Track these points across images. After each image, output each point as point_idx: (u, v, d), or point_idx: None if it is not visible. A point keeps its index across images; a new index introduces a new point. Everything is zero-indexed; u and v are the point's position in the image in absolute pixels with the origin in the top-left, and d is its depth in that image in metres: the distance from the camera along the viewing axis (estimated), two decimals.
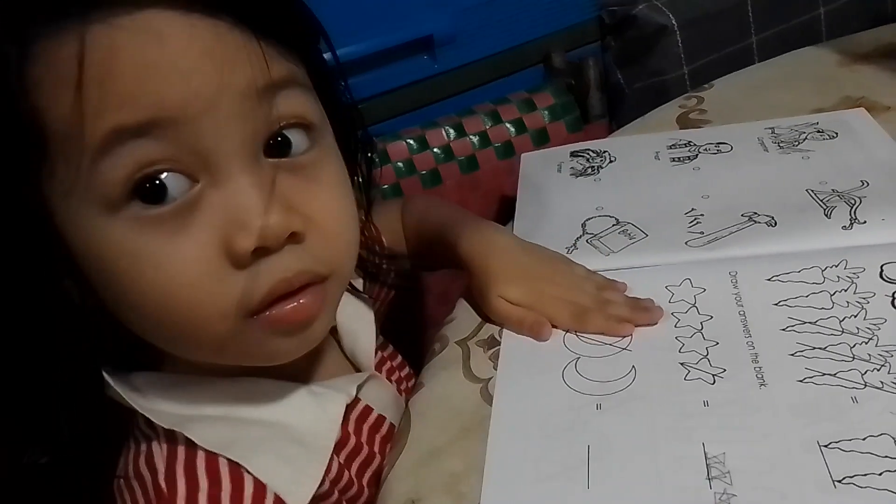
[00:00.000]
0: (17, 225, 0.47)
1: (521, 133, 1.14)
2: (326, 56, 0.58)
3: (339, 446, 0.60)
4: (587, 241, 0.75)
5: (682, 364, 0.58)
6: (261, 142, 0.48)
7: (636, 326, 0.63)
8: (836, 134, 0.84)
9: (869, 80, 0.95)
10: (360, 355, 0.66)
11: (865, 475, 0.48)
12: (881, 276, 0.63)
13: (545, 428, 0.55)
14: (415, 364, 0.73)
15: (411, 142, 1.10)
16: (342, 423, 0.60)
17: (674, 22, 1.18)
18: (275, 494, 0.53)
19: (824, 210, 0.72)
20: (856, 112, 0.87)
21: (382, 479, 0.57)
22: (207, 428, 0.54)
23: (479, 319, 0.68)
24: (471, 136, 1.12)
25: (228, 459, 0.53)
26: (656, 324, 0.63)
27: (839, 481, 0.48)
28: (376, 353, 0.68)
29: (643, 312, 0.63)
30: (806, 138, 0.84)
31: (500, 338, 0.65)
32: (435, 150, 1.11)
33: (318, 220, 0.50)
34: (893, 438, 0.50)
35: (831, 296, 0.62)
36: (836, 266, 0.65)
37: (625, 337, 0.62)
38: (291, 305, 0.50)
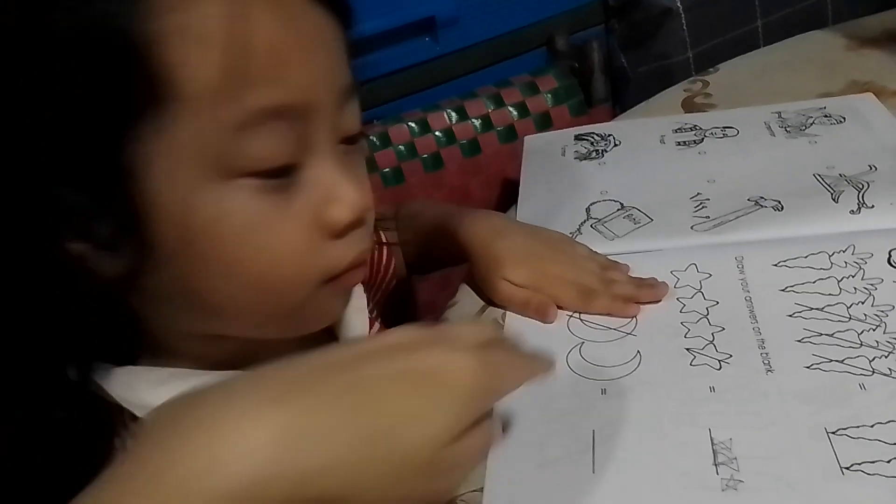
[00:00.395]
0: (91, 174, 0.45)
1: (524, 116, 1.13)
2: None
3: None
4: (591, 225, 0.74)
5: (687, 349, 0.58)
6: (341, 133, 0.51)
7: (642, 305, 0.62)
8: (844, 118, 0.83)
9: (876, 65, 0.94)
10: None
11: (873, 462, 0.47)
12: (889, 262, 0.62)
13: (549, 412, 0.55)
14: None
15: (413, 125, 1.09)
16: None
17: (679, 5, 1.18)
18: None
19: (832, 194, 0.71)
20: (864, 97, 0.87)
21: None
22: None
23: (482, 303, 0.68)
24: (473, 120, 1.12)
25: None
26: (661, 301, 0.63)
27: (847, 468, 0.47)
28: None
29: (648, 290, 0.63)
30: (813, 123, 0.83)
31: (504, 322, 0.65)
32: (437, 133, 1.10)
33: None
34: None
35: (839, 282, 0.61)
36: (844, 251, 0.64)
37: (631, 317, 0.62)
38: (354, 270, 0.53)
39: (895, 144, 0.77)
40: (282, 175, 0.47)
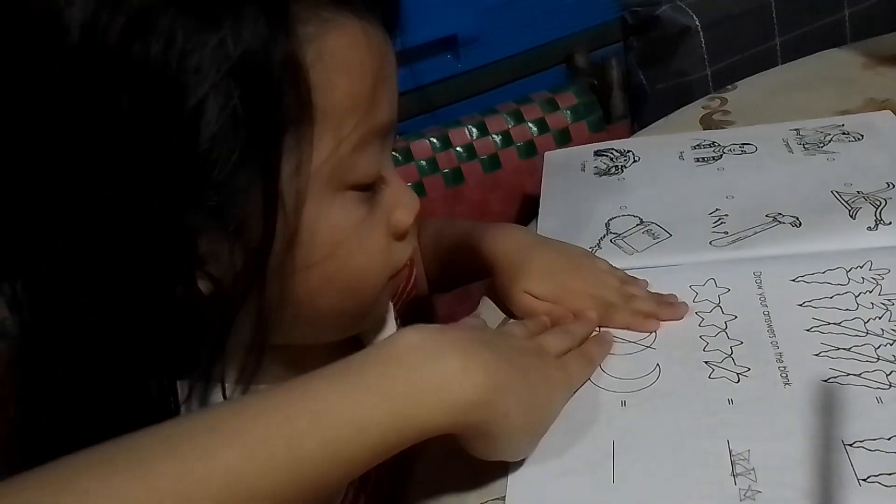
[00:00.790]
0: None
1: (544, 133, 1.14)
2: None
3: None
4: (611, 240, 0.75)
5: (706, 363, 0.59)
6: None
7: (661, 322, 0.63)
8: (862, 136, 0.84)
9: (893, 83, 0.94)
10: None
11: (891, 474, 0.48)
12: None
13: (570, 423, 0.56)
14: None
15: (434, 140, 1.11)
16: None
17: (697, 23, 1.18)
18: None
19: (849, 211, 0.72)
20: (882, 114, 0.87)
21: (408, 471, 0.57)
22: None
23: (504, 316, 0.69)
24: (493, 136, 1.13)
25: None
26: (681, 319, 0.64)
27: (864, 480, 0.48)
28: None
29: (668, 308, 0.64)
30: (831, 140, 0.84)
31: None
32: (457, 148, 1.12)
33: None
34: None
35: (856, 297, 0.62)
36: (861, 267, 0.65)
37: (650, 332, 0.63)
38: (404, 269, 0.60)
39: None
40: (371, 187, 0.54)
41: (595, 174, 0.87)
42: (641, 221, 0.77)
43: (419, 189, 1.08)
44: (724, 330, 0.62)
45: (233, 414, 0.44)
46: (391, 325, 0.68)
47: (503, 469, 0.54)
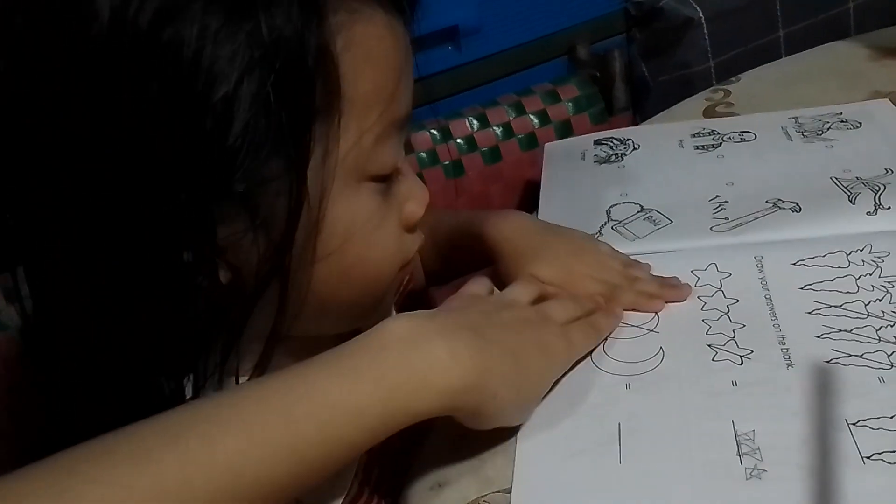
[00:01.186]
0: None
1: (545, 124, 1.15)
2: None
3: None
4: (612, 227, 0.76)
5: (709, 346, 0.59)
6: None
7: (665, 303, 0.64)
8: (860, 123, 0.84)
9: None
10: None
11: (893, 452, 0.48)
12: None
13: (575, 406, 0.56)
14: None
15: (434, 132, 1.11)
16: None
17: (701, 14, 1.19)
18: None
19: (849, 196, 0.72)
20: (879, 102, 0.88)
21: (409, 464, 0.58)
22: None
23: None
24: (494, 127, 1.13)
25: None
26: (685, 300, 0.64)
27: (868, 458, 0.48)
28: None
29: (672, 289, 0.65)
30: (830, 128, 0.85)
31: None
32: (458, 140, 1.12)
33: None
34: None
35: (856, 280, 0.63)
36: (861, 250, 0.65)
37: (654, 314, 0.63)
38: (412, 260, 0.61)
39: None
40: (387, 178, 0.54)
41: (595, 162, 0.87)
42: (642, 208, 0.77)
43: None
44: (726, 313, 0.62)
45: (232, 402, 0.44)
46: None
47: (504, 459, 0.54)
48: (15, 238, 0.50)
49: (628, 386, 0.57)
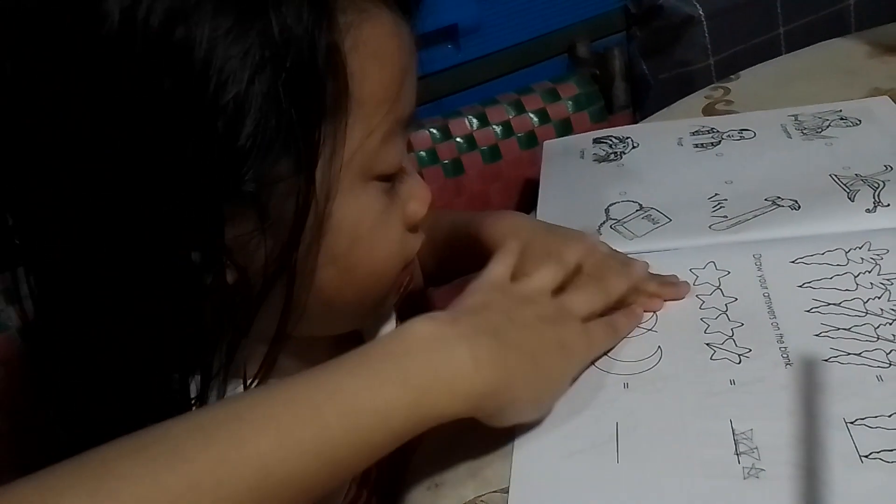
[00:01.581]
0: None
1: (545, 123, 1.14)
2: None
3: None
4: (611, 226, 0.75)
5: (707, 344, 0.59)
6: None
7: (664, 301, 0.64)
8: (860, 121, 0.84)
9: None
10: None
11: (892, 450, 0.48)
12: None
13: (573, 406, 0.56)
14: None
15: (434, 131, 1.10)
16: None
17: (701, 12, 1.18)
18: None
19: (848, 194, 0.72)
20: (879, 100, 0.88)
21: (406, 464, 0.58)
22: None
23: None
24: (494, 126, 1.13)
25: None
26: (683, 298, 0.64)
27: (866, 457, 0.48)
28: None
29: (670, 287, 0.64)
30: (829, 125, 0.84)
31: None
32: (457, 139, 1.11)
33: None
34: None
35: (855, 277, 0.62)
36: (860, 248, 0.65)
37: (653, 313, 0.63)
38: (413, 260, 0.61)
39: None
40: (392, 178, 0.55)
41: (594, 161, 0.87)
42: (641, 207, 0.77)
43: None
44: (724, 312, 0.62)
45: (262, 403, 0.45)
46: (392, 318, 0.68)
47: (501, 460, 0.54)
48: (19, 238, 0.50)
49: (626, 385, 0.57)
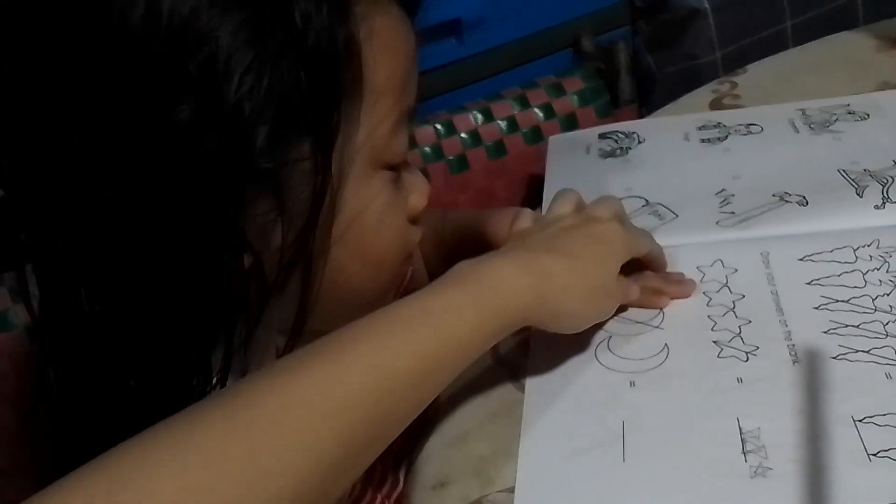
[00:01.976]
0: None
1: (550, 118, 1.13)
2: None
3: None
4: None
5: (714, 342, 0.59)
6: None
7: (670, 299, 0.63)
8: (868, 115, 0.83)
9: None
10: None
11: None
12: None
13: (579, 404, 0.56)
14: None
15: (438, 126, 1.10)
16: None
17: (707, 5, 1.17)
18: None
19: (856, 189, 0.71)
20: (888, 94, 0.87)
21: (411, 463, 0.58)
22: None
23: None
24: (499, 121, 1.12)
25: None
26: (689, 296, 0.63)
27: (874, 455, 0.48)
28: None
29: (676, 285, 0.64)
30: (837, 119, 0.84)
31: None
32: (462, 135, 1.11)
33: None
34: None
35: (864, 275, 0.62)
36: (869, 245, 0.65)
37: (659, 309, 0.63)
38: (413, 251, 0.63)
39: None
40: (397, 167, 0.56)
41: (600, 156, 0.87)
42: (647, 203, 0.77)
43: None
44: (731, 309, 0.62)
45: (353, 335, 0.47)
46: None
47: (506, 459, 0.54)
48: (29, 229, 0.51)
49: (632, 383, 0.57)
